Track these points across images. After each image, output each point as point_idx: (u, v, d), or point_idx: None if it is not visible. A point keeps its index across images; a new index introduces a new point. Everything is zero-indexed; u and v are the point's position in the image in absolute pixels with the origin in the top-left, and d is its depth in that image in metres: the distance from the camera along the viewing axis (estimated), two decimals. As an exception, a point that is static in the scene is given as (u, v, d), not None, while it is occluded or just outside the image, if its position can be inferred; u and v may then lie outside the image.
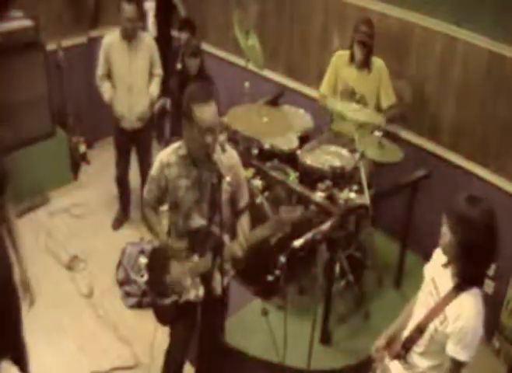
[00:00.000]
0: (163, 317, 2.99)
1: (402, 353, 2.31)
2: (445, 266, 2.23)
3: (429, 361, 2.23)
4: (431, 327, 2.18)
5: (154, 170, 2.80)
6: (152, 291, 2.99)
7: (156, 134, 5.63)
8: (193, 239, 2.81)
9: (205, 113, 2.56)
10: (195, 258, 2.83)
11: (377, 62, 3.91)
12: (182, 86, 4.53)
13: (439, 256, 2.28)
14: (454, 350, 2.10)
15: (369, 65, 3.91)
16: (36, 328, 3.73)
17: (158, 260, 2.92)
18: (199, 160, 2.71)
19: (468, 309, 2.10)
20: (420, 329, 2.22)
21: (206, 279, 2.77)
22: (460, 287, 2.15)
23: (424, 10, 3.82)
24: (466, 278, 2.14)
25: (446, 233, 2.14)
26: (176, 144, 2.79)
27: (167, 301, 2.86)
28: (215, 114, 2.60)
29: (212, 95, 2.63)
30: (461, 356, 2.09)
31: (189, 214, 2.79)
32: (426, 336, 2.20)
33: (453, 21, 3.69)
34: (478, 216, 2.07)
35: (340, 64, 4.05)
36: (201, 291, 2.79)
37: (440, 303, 2.18)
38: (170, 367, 3.01)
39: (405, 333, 2.32)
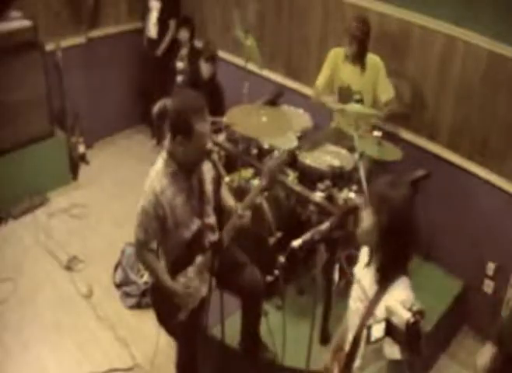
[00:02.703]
0: (177, 332, 2.97)
1: (346, 371, 2.18)
2: (367, 265, 2.14)
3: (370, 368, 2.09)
4: (364, 336, 2.01)
5: (148, 205, 2.67)
6: (165, 318, 2.94)
7: (155, 134, 5.65)
8: (194, 242, 2.83)
9: (205, 128, 2.61)
10: (199, 259, 2.83)
11: (373, 59, 3.91)
12: (192, 87, 4.62)
13: (363, 257, 2.19)
14: (390, 352, 1.92)
15: (363, 62, 3.90)
16: (36, 328, 3.74)
17: (161, 294, 2.88)
18: (190, 170, 2.74)
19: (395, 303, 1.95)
20: (356, 341, 2.10)
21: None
22: (384, 281, 2.03)
23: (424, 10, 3.81)
24: (387, 266, 2.03)
25: (366, 218, 2.04)
26: (159, 165, 2.72)
27: (181, 316, 2.84)
28: (209, 132, 2.67)
29: (206, 109, 2.64)
30: (398, 355, 1.91)
31: (188, 223, 2.80)
32: (362, 345, 2.06)
33: (452, 21, 3.69)
34: (400, 198, 1.98)
35: (336, 61, 4.05)
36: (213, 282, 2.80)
37: (370, 306, 2.06)
38: None
39: (346, 348, 2.20)
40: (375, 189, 2.06)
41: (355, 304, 2.18)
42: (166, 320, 2.93)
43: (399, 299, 1.92)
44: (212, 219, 2.90)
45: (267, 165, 2.87)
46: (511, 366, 1.78)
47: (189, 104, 2.62)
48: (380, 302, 2.02)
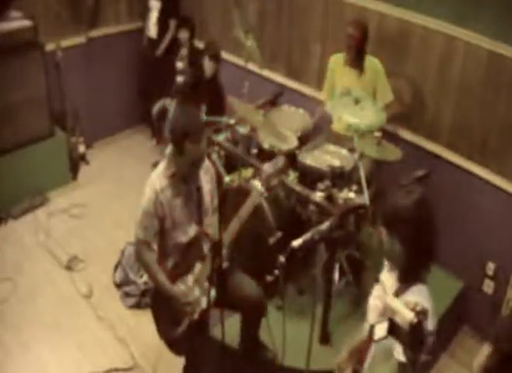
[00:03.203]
0: (179, 347, 2.97)
1: (359, 367, 2.19)
2: (390, 270, 2.19)
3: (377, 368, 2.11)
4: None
5: (148, 203, 2.72)
6: (164, 328, 2.94)
7: (155, 134, 5.65)
8: (192, 248, 2.84)
9: (197, 150, 2.66)
10: (197, 266, 2.84)
11: (372, 62, 3.91)
12: (194, 86, 4.65)
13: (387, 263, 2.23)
14: (400, 353, 1.93)
15: (362, 66, 3.91)
16: (36, 328, 3.74)
17: (161, 302, 2.89)
18: (188, 175, 2.79)
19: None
20: (371, 338, 2.10)
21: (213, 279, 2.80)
22: (404, 286, 2.08)
23: (424, 10, 3.81)
24: (408, 270, 2.07)
25: (384, 237, 2.08)
26: (160, 168, 2.79)
27: (181, 328, 2.84)
28: (205, 147, 2.70)
29: (204, 132, 2.68)
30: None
31: (185, 227, 2.82)
32: (375, 343, 2.08)
33: (452, 20, 3.69)
34: (410, 207, 2.02)
35: (335, 67, 4.08)
36: (212, 293, 2.80)
37: (387, 304, 2.04)
38: None
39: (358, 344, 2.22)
40: (384, 207, 2.08)
41: (375, 301, 2.20)
42: (166, 332, 2.93)
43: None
44: (210, 229, 2.89)
45: (264, 171, 2.86)
46: (507, 366, 1.79)
47: (187, 126, 2.65)
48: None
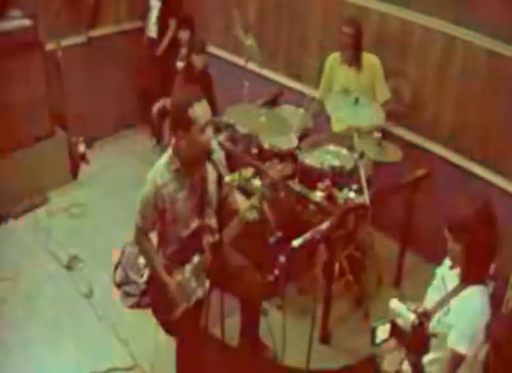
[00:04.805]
0: (173, 329, 2.98)
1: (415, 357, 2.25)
2: (451, 268, 2.28)
3: (428, 355, 2.20)
4: (434, 319, 2.18)
5: (149, 194, 2.75)
6: (159, 310, 2.97)
7: (155, 134, 5.65)
8: (192, 240, 2.84)
9: (198, 110, 2.63)
10: (196, 258, 2.84)
11: (370, 59, 3.92)
12: (188, 83, 4.64)
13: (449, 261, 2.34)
14: (454, 341, 2.09)
15: (359, 63, 3.92)
16: (36, 327, 3.74)
17: (157, 287, 2.91)
18: (193, 167, 2.78)
19: (472, 304, 2.13)
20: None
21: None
22: (464, 284, 2.18)
23: (424, 10, 3.81)
24: (469, 277, 2.18)
25: (448, 240, 2.18)
26: (163, 160, 2.79)
27: (177, 312, 2.86)
28: (208, 110, 2.68)
29: (199, 96, 2.69)
30: (461, 347, 2.08)
31: (188, 220, 2.83)
32: (429, 327, 2.19)
33: (452, 20, 3.69)
34: (473, 216, 2.12)
35: (333, 66, 4.09)
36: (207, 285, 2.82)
37: (446, 296, 2.20)
38: None
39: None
40: (451, 213, 2.20)
41: (434, 291, 2.32)
42: (160, 315, 2.95)
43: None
44: (212, 221, 2.91)
45: (271, 177, 2.88)
46: (506, 364, 1.82)
47: (185, 96, 2.70)
48: (456, 296, 2.18)
